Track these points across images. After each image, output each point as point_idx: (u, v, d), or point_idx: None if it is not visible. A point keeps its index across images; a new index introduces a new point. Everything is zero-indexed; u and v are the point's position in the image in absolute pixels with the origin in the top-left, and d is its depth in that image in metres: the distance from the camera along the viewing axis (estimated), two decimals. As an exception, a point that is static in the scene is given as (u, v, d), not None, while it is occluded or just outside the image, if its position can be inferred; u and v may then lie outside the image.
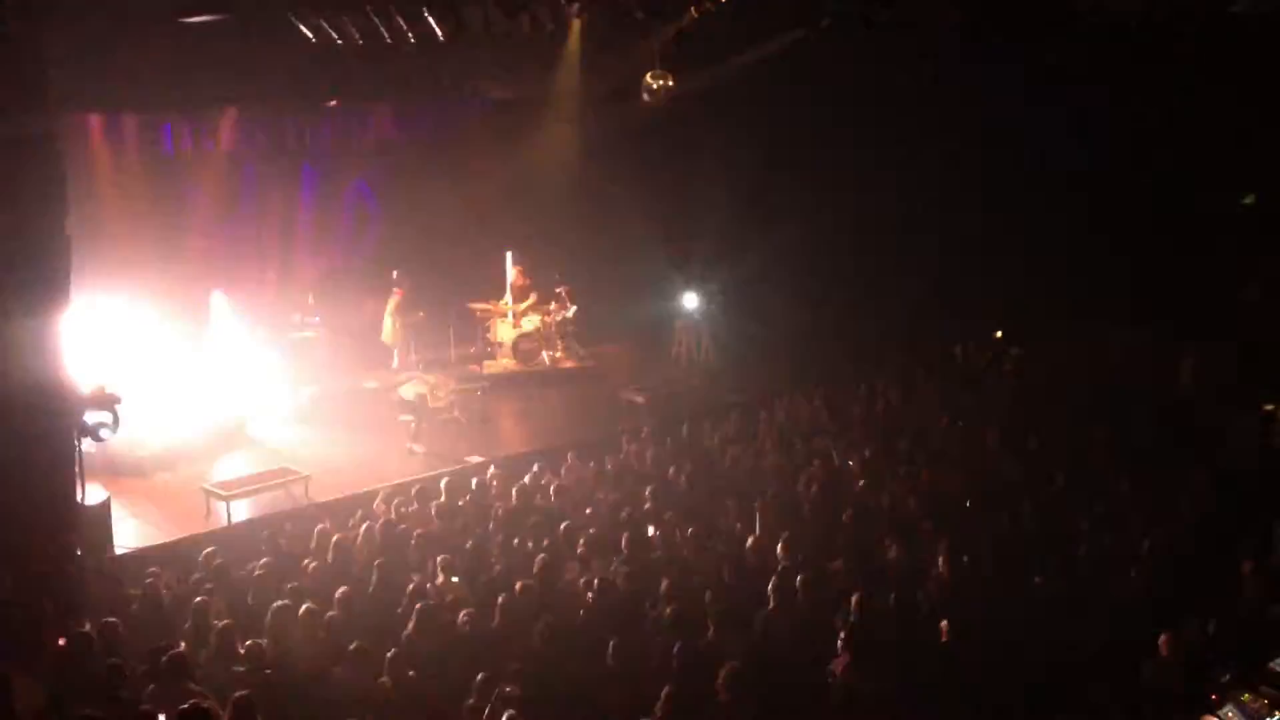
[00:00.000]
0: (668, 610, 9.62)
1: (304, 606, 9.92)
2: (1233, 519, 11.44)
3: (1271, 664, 8.46)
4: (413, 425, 16.67)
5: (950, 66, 18.02)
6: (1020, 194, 18.85)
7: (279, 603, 9.97)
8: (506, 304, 19.84)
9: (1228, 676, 8.44)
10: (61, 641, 9.26)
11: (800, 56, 17.88)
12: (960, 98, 18.50)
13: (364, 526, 12.48)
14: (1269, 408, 14.36)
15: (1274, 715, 8.05)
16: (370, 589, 10.68)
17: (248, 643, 9.23)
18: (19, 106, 11.70)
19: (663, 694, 8.20)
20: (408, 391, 16.94)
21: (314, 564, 11.37)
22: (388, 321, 19.24)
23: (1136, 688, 8.60)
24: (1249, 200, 19.18)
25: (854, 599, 9.68)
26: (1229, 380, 15.74)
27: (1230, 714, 8.06)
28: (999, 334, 19.24)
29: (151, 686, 8.61)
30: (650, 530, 11.97)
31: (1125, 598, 9.96)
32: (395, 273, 19.28)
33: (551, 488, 13.72)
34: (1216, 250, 17.98)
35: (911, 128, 18.91)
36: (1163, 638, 8.82)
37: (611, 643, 9.09)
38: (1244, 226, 18.61)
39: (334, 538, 11.95)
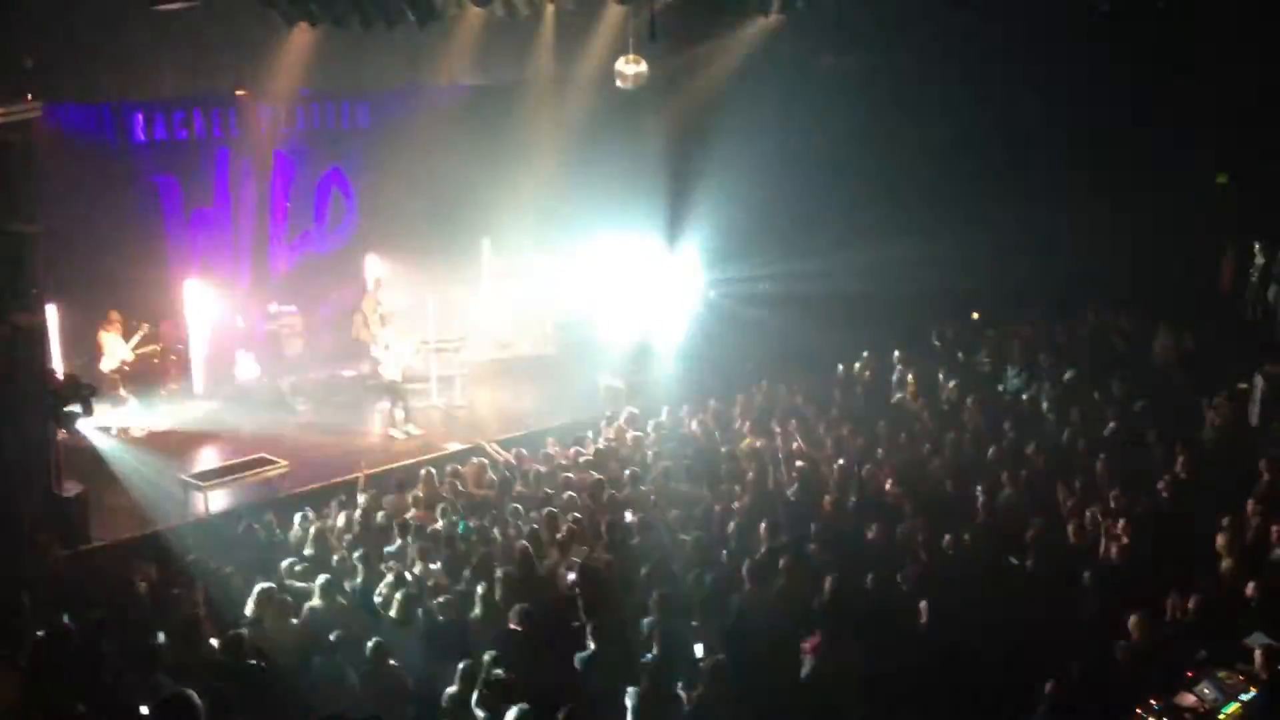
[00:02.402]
0: (653, 595, 9.64)
1: (283, 595, 9.91)
2: (1208, 496, 11.52)
3: (1246, 641, 8.54)
4: (391, 411, 16.69)
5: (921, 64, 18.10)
6: (993, 175, 18.92)
7: (260, 588, 9.94)
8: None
9: (1204, 653, 8.52)
10: (39, 634, 9.22)
11: (785, 39, 17.87)
12: (934, 86, 18.56)
13: (343, 515, 12.46)
14: (1243, 386, 14.44)
15: (1249, 691, 8.13)
16: (350, 577, 10.67)
17: (228, 633, 9.21)
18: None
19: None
20: (387, 372, 16.94)
21: (293, 553, 11.35)
22: (358, 319, 19.02)
23: (1113, 666, 8.66)
24: (1223, 180, 19.27)
25: (828, 580, 9.75)
26: (1204, 358, 15.83)
27: (1206, 690, 8.14)
28: (975, 315, 19.29)
29: (128, 678, 8.58)
30: (629, 515, 11.99)
31: (1102, 576, 10.02)
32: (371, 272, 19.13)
33: (532, 473, 13.73)
34: (1193, 230, 18.08)
35: (892, 115, 18.94)
36: (1132, 619, 8.88)
37: (590, 625, 9.11)
38: (1220, 206, 18.71)
39: (313, 526, 11.94)
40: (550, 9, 15.78)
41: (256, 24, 14.50)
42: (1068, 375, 15.67)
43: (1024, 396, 15.72)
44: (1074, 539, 10.92)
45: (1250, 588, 9.42)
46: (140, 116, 17.47)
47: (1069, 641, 8.91)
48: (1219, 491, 11.56)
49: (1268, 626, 8.71)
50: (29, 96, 12.29)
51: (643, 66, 14.79)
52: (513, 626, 9.39)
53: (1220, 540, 10.37)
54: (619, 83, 14.99)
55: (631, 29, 15.19)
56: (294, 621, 9.69)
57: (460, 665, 8.63)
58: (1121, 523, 10.79)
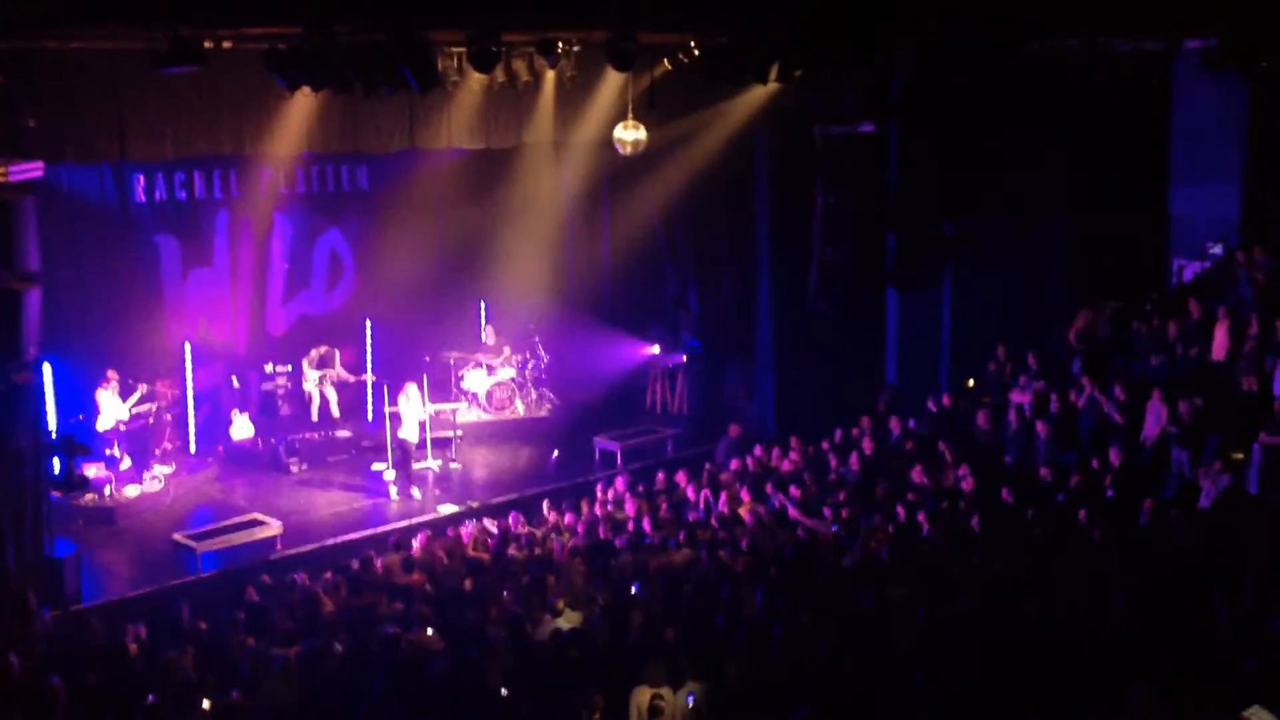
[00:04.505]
0: (646, 664, 9.54)
1: (274, 659, 9.83)
2: (1206, 567, 11.47)
3: (1245, 714, 8.47)
4: (386, 474, 16.67)
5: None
6: (990, 243, 19.03)
7: (253, 653, 9.87)
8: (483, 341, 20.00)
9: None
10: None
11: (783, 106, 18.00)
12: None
13: (336, 578, 12.38)
14: (1238, 456, 14.41)
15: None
16: (342, 641, 10.57)
17: (219, 697, 9.12)
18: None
19: None
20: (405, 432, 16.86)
21: (286, 615, 11.27)
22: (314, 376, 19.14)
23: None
24: (1216, 250, 19.36)
25: (821, 648, 9.67)
26: (1198, 428, 15.81)
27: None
28: (971, 382, 19.29)
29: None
30: (625, 577, 11.91)
31: (1100, 647, 9.95)
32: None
33: (525, 537, 13.66)
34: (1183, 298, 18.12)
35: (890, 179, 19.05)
36: (1131, 690, 8.80)
37: (583, 692, 9.03)
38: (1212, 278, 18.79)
39: (307, 589, 11.86)
40: (550, 75, 15.90)
41: (258, 87, 14.60)
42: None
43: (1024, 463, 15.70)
44: (1071, 608, 10.85)
45: (1249, 660, 9.34)
46: (141, 177, 17.57)
47: (1068, 713, 8.83)
48: (1217, 561, 11.50)
49: (1266, 699, 8.63)
50: (30, 156, 12.36)
51: (642, 133, 14.95)
52: (503, 693, 9.30)
53: (1219, 612, 10.30)
54: (619, 148, 15.13)
55: (631, 96, 15.35)
56: (286, 686, 9.60)
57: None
58: (1119, 594, 10.73)
